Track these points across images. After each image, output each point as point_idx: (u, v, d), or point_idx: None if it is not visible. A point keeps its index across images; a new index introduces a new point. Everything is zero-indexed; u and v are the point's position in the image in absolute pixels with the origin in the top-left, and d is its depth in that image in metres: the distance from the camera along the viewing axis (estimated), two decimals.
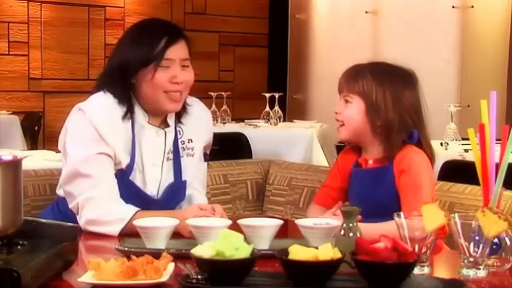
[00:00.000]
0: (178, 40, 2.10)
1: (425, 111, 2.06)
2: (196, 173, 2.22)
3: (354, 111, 2.03)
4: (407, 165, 1.98)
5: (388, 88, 2.01)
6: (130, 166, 2.08)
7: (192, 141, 2.20)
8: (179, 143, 2.18)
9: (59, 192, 2.14)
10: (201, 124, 2.25)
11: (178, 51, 2.09)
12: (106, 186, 2.02)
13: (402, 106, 2.01)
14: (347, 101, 2.05)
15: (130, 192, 2.06)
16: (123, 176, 2.06)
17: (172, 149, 2.16)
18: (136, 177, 2.09)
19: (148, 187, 2.11)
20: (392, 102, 2.00)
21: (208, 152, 2.29)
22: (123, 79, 2.09)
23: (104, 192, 2.02)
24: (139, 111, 2.11)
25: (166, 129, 2.15)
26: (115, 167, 2.06)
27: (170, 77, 2.08)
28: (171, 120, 2.17)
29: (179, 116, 2.19)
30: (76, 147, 2.05)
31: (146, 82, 2.07)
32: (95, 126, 2.03)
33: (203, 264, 1.43)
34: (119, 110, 2.08)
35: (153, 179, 2.12)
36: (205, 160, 2.28)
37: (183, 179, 2.17)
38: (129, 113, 2.08)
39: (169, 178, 2.15)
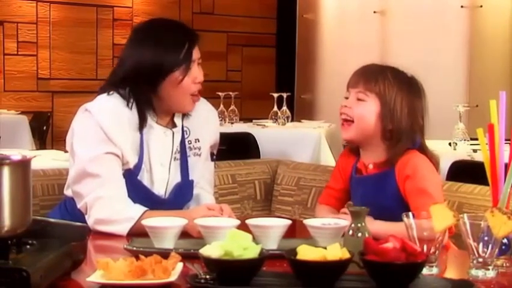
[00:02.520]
0: (197, 41, 2.12)
1: (427, 118, 2.05)
2: (203, 172, 2.23)
3: (367, 110, 1.99)
4: (412, 171, 1.95)
5: (406, 95, 1.99)
6: (138, 166, 2.08)
7: (198, 141, 2.21)
8: (186, 143, 2.18)
9: (67, 192, 2.15)
10: (208, 124, 2.25)
11: (197, 52, 2.12)
12: (114, 186, 2.03)
13: (415, 115, 1.99)
14: (359, 98, 2.00)
15: (138, 192, 2.07)
16: (131, 176, 2.07)
17: (179, 149, 2.17)
18: (143, 177, 2.10)
19: (155, 187, 2.12)
20: (408, 110, 1.98)
21: (215, 152, 2.29)
22: (150, 81, 2.08)
23: (113, 191, 2.02)
24: (147, 113, 2.11)
25: (174, 129, 2.16)
26: (122, 167, 2.06)
27: (192, 78, 2.10)
28: (178, 120, 2.18)
29: (185, 114, 2.19)
30: (83, 147, 2.05)
31: (173, 85, 2.08)
32: (101, 127, 2.03)
33: (211, 264, 1.43)
34: (126, 111, 2.08)
35: (161, 179, 2.13)
36: (212, 160, 2.29)
37: (190, 178, 2.18)
38: (141, 114, 2.09)
39: (176, 178, 2.16)
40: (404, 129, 1.98)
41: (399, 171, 1.97)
